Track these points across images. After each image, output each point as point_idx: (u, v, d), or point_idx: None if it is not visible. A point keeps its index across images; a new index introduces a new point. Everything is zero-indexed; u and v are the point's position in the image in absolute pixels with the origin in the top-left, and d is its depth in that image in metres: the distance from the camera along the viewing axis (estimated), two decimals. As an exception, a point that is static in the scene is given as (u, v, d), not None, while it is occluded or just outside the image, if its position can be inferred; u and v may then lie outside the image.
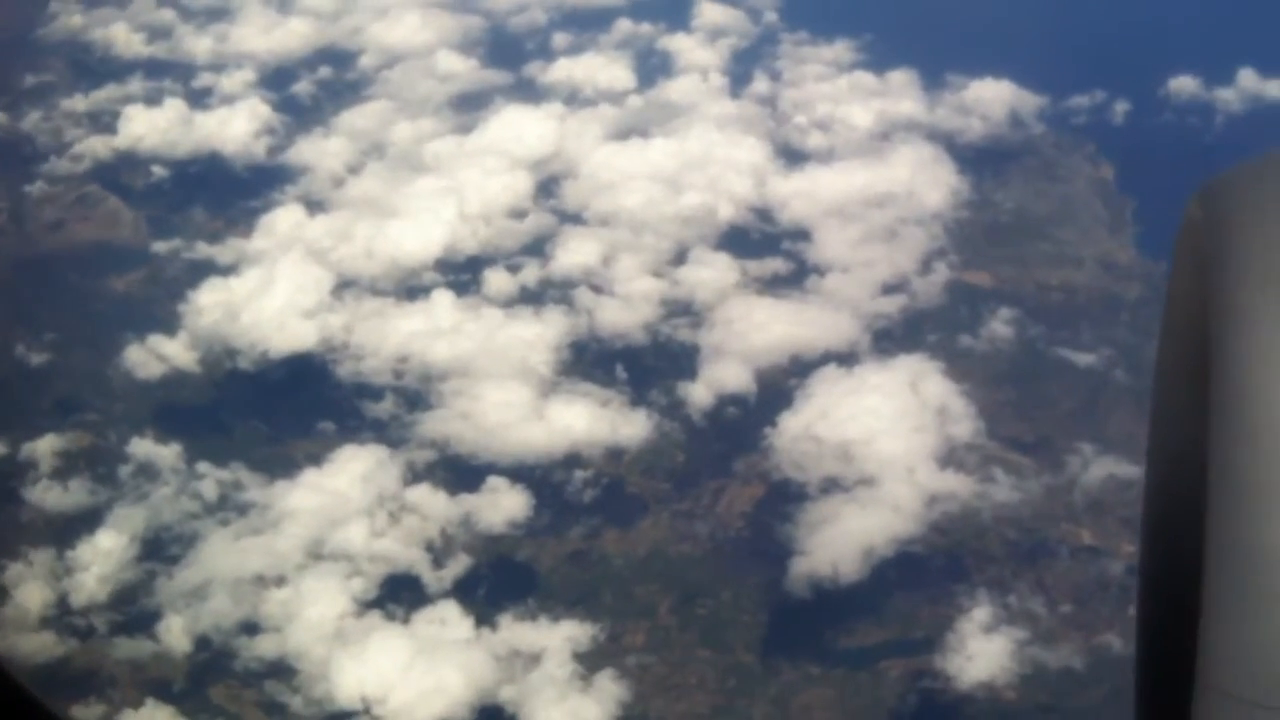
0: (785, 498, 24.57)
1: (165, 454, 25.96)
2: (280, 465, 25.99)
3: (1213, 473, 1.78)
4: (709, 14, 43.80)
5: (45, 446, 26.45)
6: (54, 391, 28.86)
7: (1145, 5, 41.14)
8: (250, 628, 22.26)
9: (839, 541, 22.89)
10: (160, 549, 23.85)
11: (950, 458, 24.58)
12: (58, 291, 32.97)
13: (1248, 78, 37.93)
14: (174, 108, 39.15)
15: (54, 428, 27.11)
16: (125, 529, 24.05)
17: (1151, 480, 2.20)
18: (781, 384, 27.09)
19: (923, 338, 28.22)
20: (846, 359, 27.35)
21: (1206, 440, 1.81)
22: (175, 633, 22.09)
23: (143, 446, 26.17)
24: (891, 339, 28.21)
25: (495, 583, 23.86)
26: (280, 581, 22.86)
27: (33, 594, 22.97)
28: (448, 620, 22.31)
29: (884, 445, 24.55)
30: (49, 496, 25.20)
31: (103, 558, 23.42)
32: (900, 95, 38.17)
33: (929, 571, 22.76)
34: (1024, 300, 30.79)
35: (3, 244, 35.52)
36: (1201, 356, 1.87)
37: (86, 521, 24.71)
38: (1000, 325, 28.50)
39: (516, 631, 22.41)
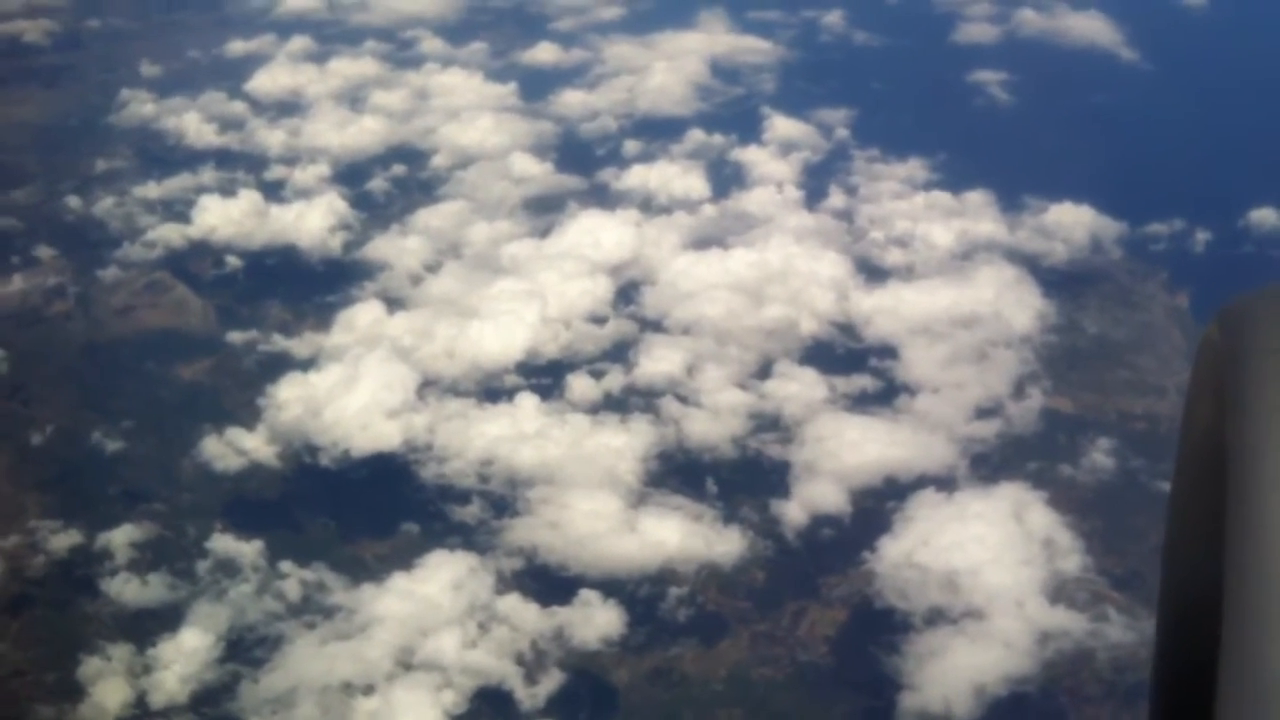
0: (889, 627, 23.79)
1: (246, 550, 25.38)
2: (363, 567, 25.37)
3: (1228, 599, 1.74)
4: (780, 127, 43.98)
5: (122, 537, 25.91)
6: (129, 480, 28.36)
7: (1227, 137, 41.13)
8: (339, 739, 21.48)
9: (949, 677, 22.07)
10: (243, 650, 23.13)
11: (1060, 593, 23.83)
12: (126, 377, 32.62)
13: (1330, 212, 37.81)
14: (249, 199, 39.10)
15: (130, 517, 26.59)
16: (207, 627, 23.35)
17: (1164, 607, 2.14)
18: (878, 507, 26.46)
19: (1022, 465, 27.59)
20: (945, 483, 26.73)
21: (1222, 565, 1.78)
22: (261, 741, 21.31)
23: (223, 542, 25.58)
24: (989, 465, 27.60)
25: (579, 701, 23.05)
26: (369, 691, 22.09)
27: (111, 691, 22.23)
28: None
29: (990, 577, 23.82)
30: (127, 589, 24.56)
31: (185, 657, 22.68)
32: (978, 215, 38.03)
33: (1044, 714, 21.91)
34: (1107, 428, 30.21)
35: (73, 328, 35.21)
36: (1218, 480, 1.85)
37: (165, 617, 24.03)
38: (1101, 456, 27.89)
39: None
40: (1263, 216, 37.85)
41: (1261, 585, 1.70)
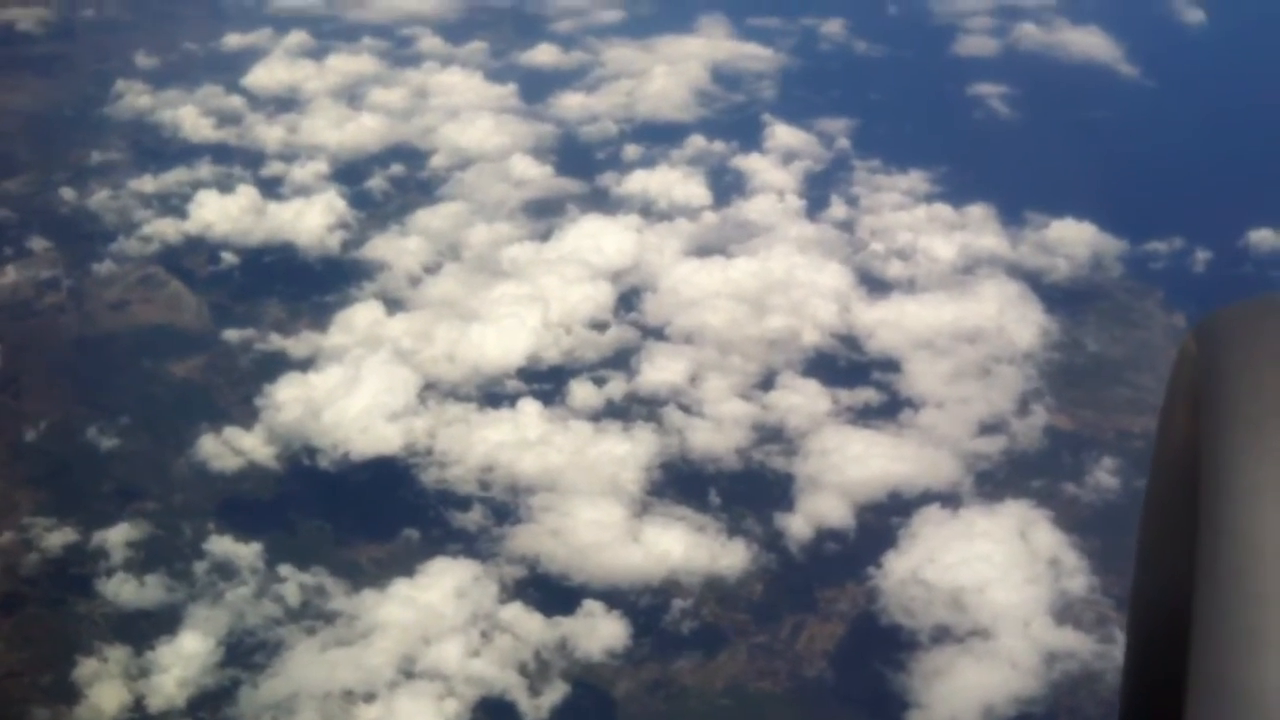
0: (895, 643, 23.63)
1: (244, 552, 25.08)
2: (362, 572, 25.09)
3: (1197, 610, 1.76)
4: (781, 136, 43.83)
5: (118, 536, 25.59)
6: (124, 478, 28.03)
7: (1227, 156, 41.14)
8: (340, 748, 21.21)
9: (956, 695, 21.93)
10: (243, 654, 22.83)
11: (1066, 613, 23.72)
12: (119, 373, 32.26)
13: (1331, 234, 37.85)
14: (246, 195, 38.75)
15: (125, 516, 26.28)
16: (206, 630, 23.05)
17: (1135, 616, 2.18)
18: (882, 522, 26.30)
19: (1026, 483, 27.47)
20: (949, 500, 26.59)
21: (1192, 576, 1.81)
22: (261, 748, 21.02)
23: (220, 543, 25.28)
24: (994, 482, 27.46)
25: (581, 713, 22.83)
26: (370, 698, 21.83)
27: (108, 694, 21.92)
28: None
29: (997, 595, 23.68)
30: (124, 590, 24.23)
31: (183, 660, 22.38)
32: (980, 229, 37.92)
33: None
34: (1106, 447, 30.13)
35: (66, 321, 34.85)
36: (1191, 493, 1.88)
37: (162, 619, 23.73)
38: (1104, 475, 27.79)
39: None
40: (1262, 237, 37.86)
41: (1231, 596, 1.71)
